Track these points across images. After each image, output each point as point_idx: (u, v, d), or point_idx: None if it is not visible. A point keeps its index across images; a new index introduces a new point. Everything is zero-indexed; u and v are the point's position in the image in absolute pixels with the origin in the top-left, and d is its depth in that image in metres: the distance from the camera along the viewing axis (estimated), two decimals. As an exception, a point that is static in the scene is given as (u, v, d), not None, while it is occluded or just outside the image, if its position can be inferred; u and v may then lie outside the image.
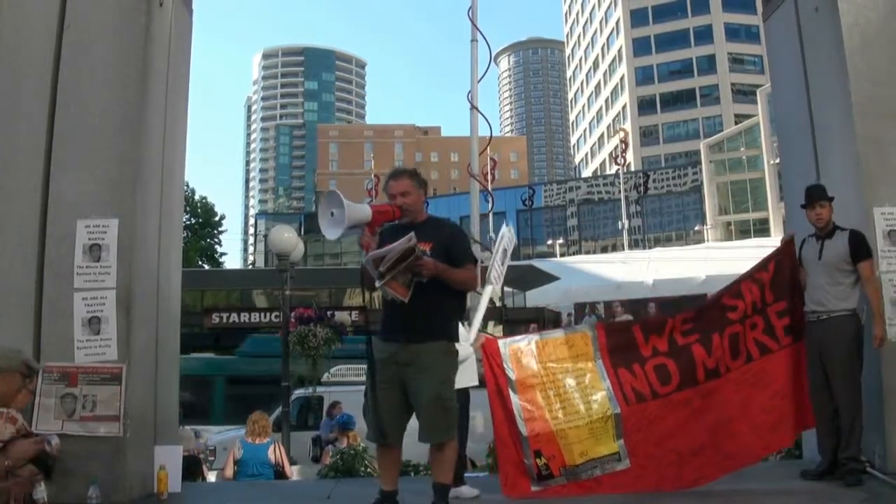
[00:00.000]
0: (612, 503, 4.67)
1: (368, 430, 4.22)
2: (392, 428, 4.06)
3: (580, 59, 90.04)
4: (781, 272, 5.13)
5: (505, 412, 4.93)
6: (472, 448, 4.13)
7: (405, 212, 4.13)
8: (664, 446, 4.85)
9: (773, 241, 29.84)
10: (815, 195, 5.02)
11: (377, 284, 3.90)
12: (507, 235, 5.57)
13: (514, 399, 4.92)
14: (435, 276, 3.94)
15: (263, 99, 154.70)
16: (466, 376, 5.02)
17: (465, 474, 5.15)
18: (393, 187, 4.18)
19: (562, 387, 4.97)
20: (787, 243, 5.22)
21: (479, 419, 5.82)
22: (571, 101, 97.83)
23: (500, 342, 5.13)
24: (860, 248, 4.84)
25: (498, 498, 4.86)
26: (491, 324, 21.78)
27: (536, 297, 28.10)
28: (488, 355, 5.05)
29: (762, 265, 5.22)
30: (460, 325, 5.11)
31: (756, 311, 5.08)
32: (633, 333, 5.15)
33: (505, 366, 5.00)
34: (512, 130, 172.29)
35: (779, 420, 4.99)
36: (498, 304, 24.88)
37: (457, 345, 4.95)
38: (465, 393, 5.02)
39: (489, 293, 5.36)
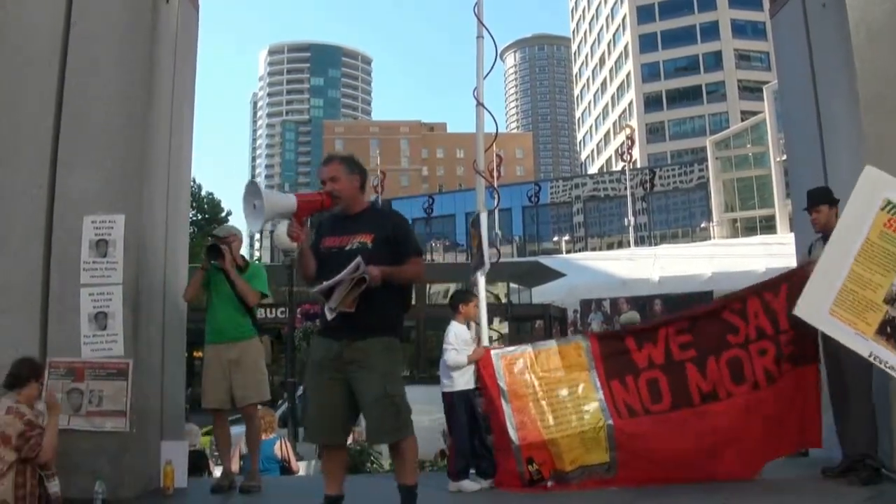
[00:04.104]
0: (618, 500, 4.67)
1: (307, 433, 3.98)
2: (336, 429, 3.84)
3: (586, 56, 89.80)
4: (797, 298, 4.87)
5: (497, 422, 4.99)
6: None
7: (335, 199, 3.86)
8: (653, 460, 4.84)
9: (779, 239, 29.79)
10: (809, 200, 4.97)
11: (328, 317, 3.69)
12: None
13: (506, 409, 4.98)
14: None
15: (269, 95, 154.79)
16: (465, 379, 5.13)
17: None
18: (322, 172, 3.95)
19: (554, 397, 5.01)
20: (809, 266, 4.83)
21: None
22: (577, 98, 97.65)
23: (494, 353, 5.18)
24: None
25: (495, 492, 4.98)
26: (496, 320, 21.75)
27: (542, 294, 28.01)
28: (481, 366, 5.12)
29: (773, 286, 4.98)
30: (465, 330, 5.12)
31: (766, 336, 4.90)
32: (625, 343, 5.11)
33: (497, 376, 5.06)
34: (518, 127, 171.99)
35: (767, 445, 4.92)
36: (504, 300, 24.90)
37: (456, 351, 4.93)
38: (466, 395, 5.13)
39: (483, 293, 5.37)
